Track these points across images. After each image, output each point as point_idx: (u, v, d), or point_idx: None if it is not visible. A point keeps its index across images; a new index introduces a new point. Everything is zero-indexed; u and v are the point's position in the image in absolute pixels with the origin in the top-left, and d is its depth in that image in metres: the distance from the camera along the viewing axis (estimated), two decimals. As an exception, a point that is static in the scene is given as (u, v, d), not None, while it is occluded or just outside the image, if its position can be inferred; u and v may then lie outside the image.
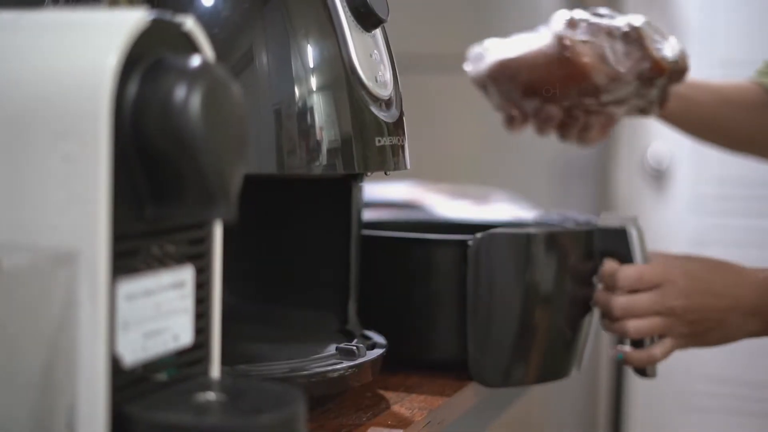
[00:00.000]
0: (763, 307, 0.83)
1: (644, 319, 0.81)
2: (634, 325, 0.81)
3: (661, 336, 0.82)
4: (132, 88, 0.46)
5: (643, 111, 0.94)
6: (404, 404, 0.71)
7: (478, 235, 0.77)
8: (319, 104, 0.63)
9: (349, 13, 0.66)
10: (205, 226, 0.52)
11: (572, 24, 0.91)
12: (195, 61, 0.47)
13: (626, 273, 0.81)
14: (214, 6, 0.63)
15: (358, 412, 0.68)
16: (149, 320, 0.48)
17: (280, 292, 0.77)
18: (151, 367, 0.48)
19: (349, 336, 0.73)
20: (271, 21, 0.63)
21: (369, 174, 0.72)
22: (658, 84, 0.90)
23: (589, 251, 0.82)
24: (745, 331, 0.84)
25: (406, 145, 0.72)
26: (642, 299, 0.81)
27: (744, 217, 2.46)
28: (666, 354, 0.82)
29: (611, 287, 0.81)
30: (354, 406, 0.69)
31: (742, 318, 0.83)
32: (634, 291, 0.81)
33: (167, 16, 0.49)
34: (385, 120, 0.67)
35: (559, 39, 0.91)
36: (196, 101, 0.45)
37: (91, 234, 0.44)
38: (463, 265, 0.77)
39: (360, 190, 0.75)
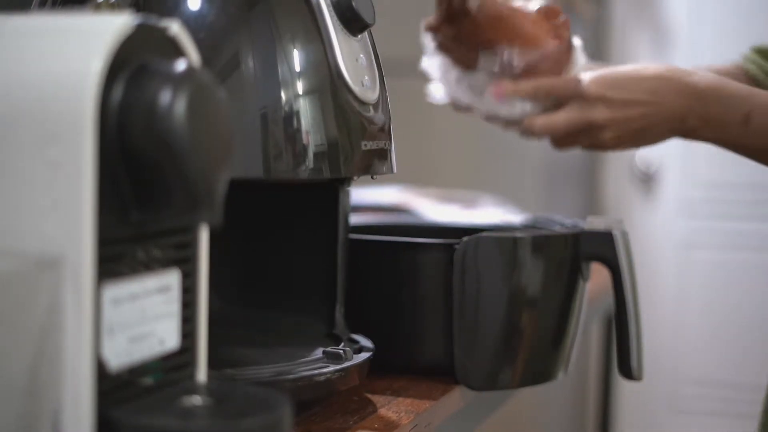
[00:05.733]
0: (689, 114, 0.88)
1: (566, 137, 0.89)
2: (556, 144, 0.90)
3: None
4: (117, 93, 0.46)
5: None
6: (391, 408, 0.71)
7: (465, 238, 0.77)
8: (305, 108, 0.64)
9: (335, 18, 0.66)
10: (191, 231, 0.52)
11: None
12: (180, 65, 0.47)
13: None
14: (200, 10, 0.63)
15: (344, 416, 0.68)
16: (135, 324, 0.48)
17: (266, 296, 0.77)
18: (137, 371, 0.48)
19: (336, 340, 0.73)
20: (257, 25, 0.63)
21: (355, 178, 0.72)
22: None
23: (576, 255, 0.82)
24: (668, 134, 0.91)
25: (393, 150, 0.72)
26: (560, 117, 0.87)
27: (732, 220, 2.47)
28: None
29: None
30: (341, 409, 0.69)
31: (666, 123, 0.89)
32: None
33: (152, 20, 0.49)
34: (371, 124, 0.68)
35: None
36: (181, 106, 0.46)
37: (76, 239, 0.44)
38: (450, 268, 0.77)
39: (347, 194, 0.75)
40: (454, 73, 0.91)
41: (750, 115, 0.88)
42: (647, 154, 2.50)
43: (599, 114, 0.88)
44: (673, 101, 0.88)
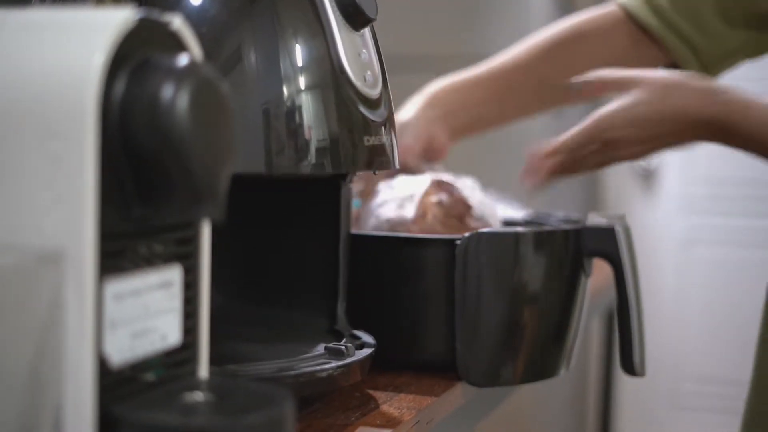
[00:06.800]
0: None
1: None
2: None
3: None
4: (119, 88, 0.46)
5: None
6: (393, 404, 0.71)
7: (466, 234, 0.77)
8: (307, 103, 0.63)
9: (337, 12, 0.66)
10: (193, 226, 0.52)
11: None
12: (183, 60, 0.47)
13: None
14: (202, 5, 0.63)
15: (346, 412, 0.68)
16: (137, 320, 0.48)
17: (268, 292, 0.77)
18: (139, 367, 0.48)
19: (338, 336, 0.73)
20: (259, 20, 0.63)
21: (358, 173, 0.72)
22: None
23: (578, 250, 0.82)
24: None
25: (395, 145, 0.72)
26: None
27: (732, 216, 2.47)
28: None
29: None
30: (342, 405, 0.69)
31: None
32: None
33: (155, 15, 0.49)
34: (373, 119, 0.67)
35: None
36: (183, 100, 0.45)
37: (78, 234, 0.44)
38: (452, 264, 0.77)
39: (349, 189, 0.75)
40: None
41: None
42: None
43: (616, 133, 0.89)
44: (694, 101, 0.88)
